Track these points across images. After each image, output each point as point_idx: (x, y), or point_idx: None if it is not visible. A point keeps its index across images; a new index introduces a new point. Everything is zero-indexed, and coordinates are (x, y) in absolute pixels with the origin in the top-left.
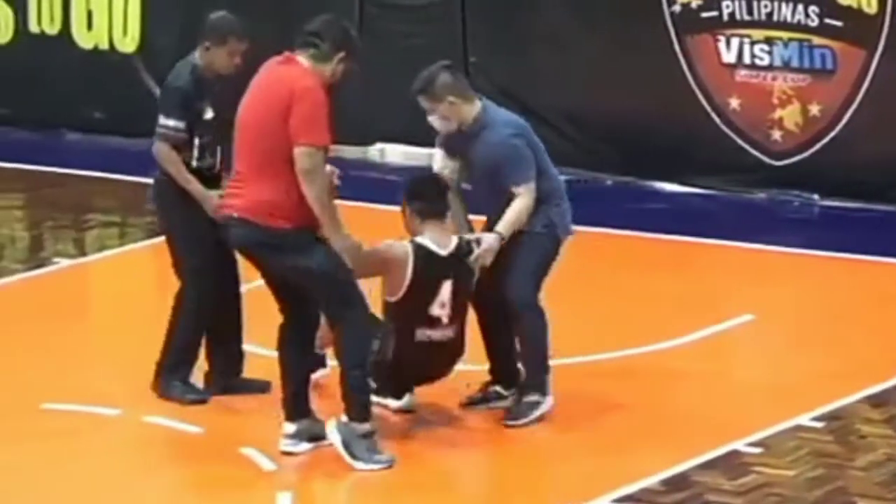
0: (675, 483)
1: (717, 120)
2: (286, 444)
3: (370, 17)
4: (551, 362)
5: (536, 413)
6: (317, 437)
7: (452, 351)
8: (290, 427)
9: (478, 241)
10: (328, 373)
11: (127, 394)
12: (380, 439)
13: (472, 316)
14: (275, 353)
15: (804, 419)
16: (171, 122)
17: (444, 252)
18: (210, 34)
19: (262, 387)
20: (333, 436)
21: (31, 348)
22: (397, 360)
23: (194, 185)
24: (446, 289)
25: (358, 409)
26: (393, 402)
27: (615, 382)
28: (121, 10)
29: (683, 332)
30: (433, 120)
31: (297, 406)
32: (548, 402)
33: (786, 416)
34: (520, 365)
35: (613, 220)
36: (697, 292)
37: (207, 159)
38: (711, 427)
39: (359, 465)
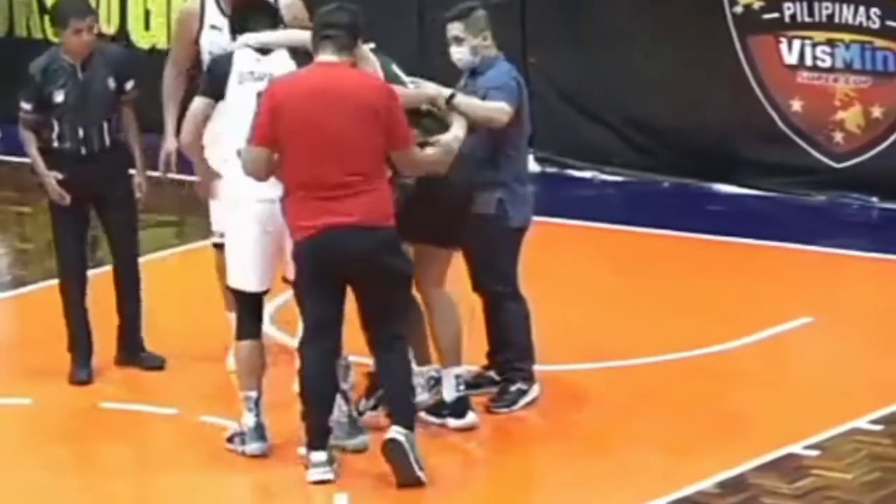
0: (732, 485)
1: (778, 121)
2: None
3: (429, 20)
4: (608, 364)
5: (524, 400)
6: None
7: None
8: (321, 455)
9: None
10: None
11: (182, 393)
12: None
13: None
14: None
15: (862, 422)
16: (23, 105)
17: None
18: (54, 20)
19: (160, 362)
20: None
21: None
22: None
23: (38, 166)
24: None
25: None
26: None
27: (673, 384)
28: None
29: (742, 335)
30: (458, 52)
31: (325, 437)
32: (534, 390)
33: (844, 419)
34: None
35: (671, 222)
36: (756, 295)
37: (68, 141)
38: (769, 430)
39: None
